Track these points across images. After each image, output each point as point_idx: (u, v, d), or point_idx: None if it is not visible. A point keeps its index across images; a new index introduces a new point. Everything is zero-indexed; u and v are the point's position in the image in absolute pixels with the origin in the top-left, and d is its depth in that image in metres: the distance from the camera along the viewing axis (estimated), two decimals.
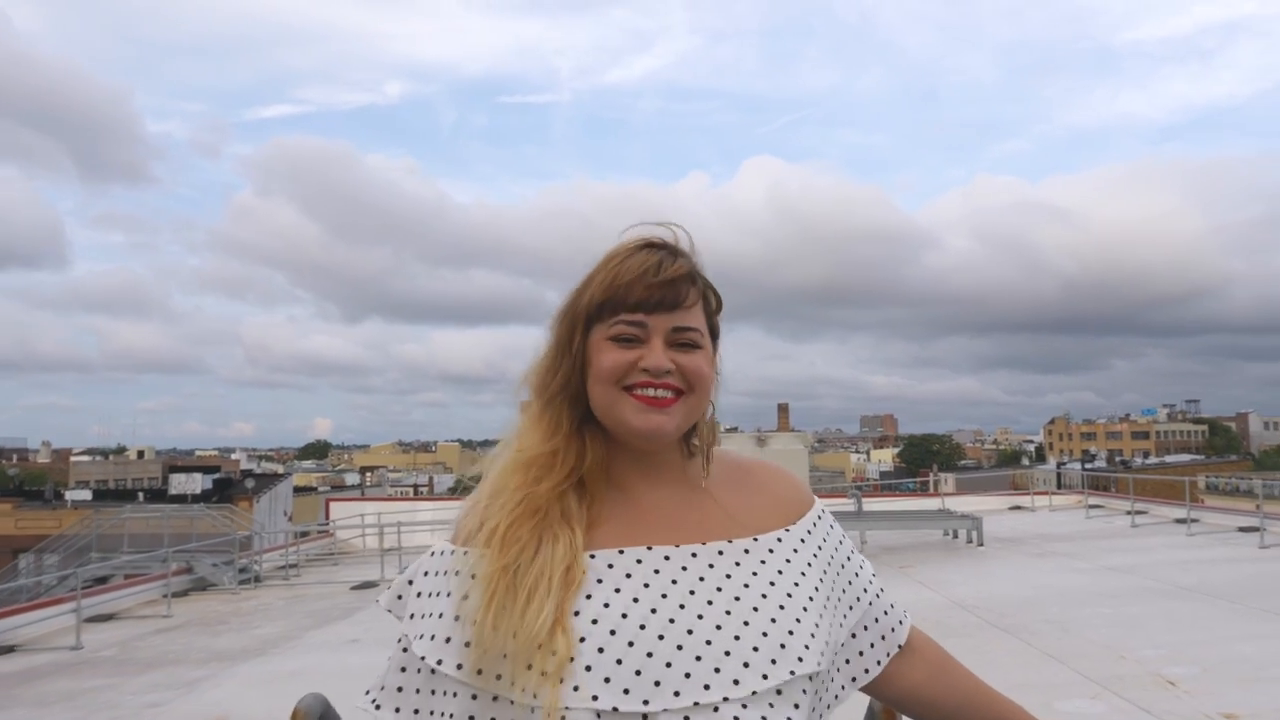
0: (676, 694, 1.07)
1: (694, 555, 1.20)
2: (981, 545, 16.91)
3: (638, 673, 1.07)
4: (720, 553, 1.21)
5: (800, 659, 1.14)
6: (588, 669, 1.07)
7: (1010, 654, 8.57)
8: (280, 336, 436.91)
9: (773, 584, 1.19)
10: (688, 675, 1.08)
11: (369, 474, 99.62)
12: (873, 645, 1.34)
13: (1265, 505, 17.19)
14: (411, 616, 1.25)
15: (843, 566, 1.32)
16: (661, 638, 1.10)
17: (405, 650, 1.22)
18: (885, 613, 1.37)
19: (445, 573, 1.22)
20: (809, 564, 1.25)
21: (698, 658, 1.09)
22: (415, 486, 75.03)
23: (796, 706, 1.12)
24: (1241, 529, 17.28)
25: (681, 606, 1.13)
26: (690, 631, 1.11)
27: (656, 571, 1.17)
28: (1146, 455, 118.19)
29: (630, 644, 1.09)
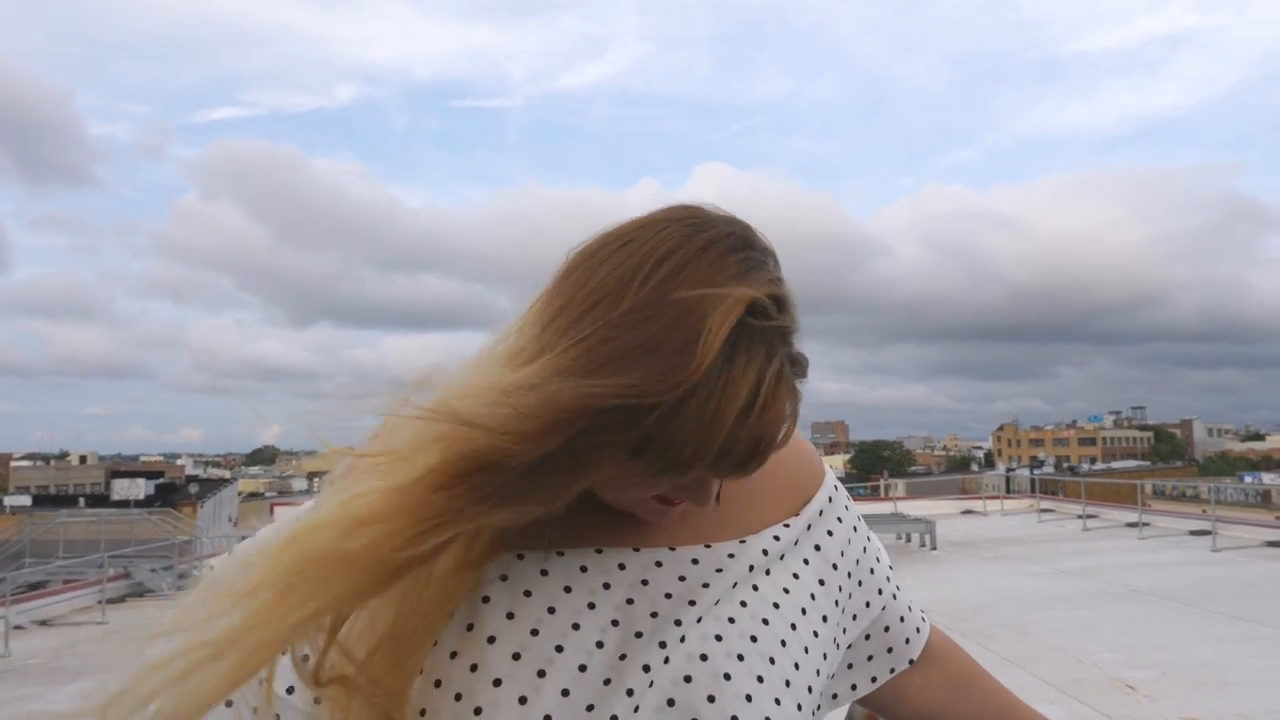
0: None
1: (659, 565, 0.89)
2: (935, 549, 16.84)
3: None
4: (695, 562, 0.90)
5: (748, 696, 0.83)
6: None
7: None
8: (227, 341, 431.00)
9: (767, 622, 0.88)
10: None
11: (316, 480, 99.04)
12: (873, 657, 1.06)
13: (1214, 510, 17.31)
14: None
15: (856, 564, 1.02)
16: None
17: None
18: (901, 619, 1.08)
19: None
20: (796, 574, 0.95)
21: None
22: None
23: None
24: (1192, 533, 17.38)
25: (623, 657, 0.82)
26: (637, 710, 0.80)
27: (607, 586, 0.86)
28: (1093, 461, 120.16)
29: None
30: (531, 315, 0.82)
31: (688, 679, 0.81)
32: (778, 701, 0.84)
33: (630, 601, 0.85)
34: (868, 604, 1.04)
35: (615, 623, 0.84)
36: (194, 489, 49.10)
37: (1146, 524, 18.42)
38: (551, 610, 0.83)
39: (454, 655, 0.81)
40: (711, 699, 0.80)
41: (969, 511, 24.78)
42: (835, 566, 1.00)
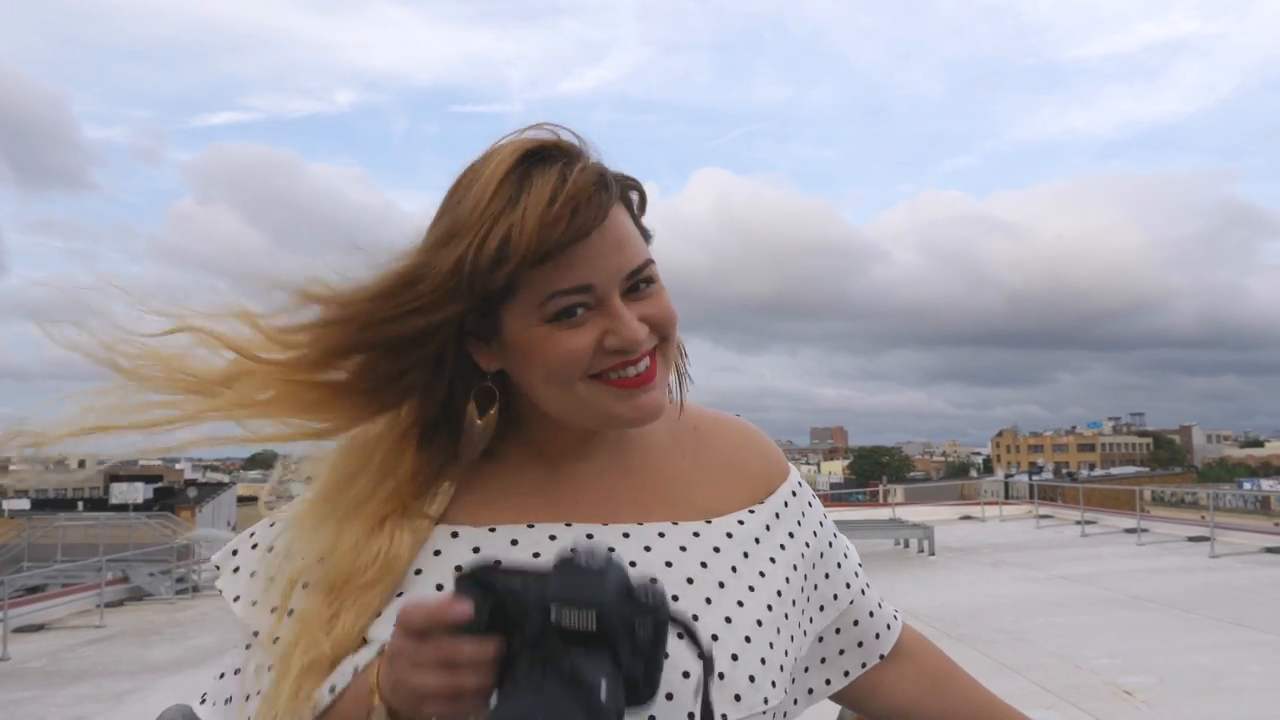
0: None
1: (625, 536, 0.92)
2: (933, 555, 16.84)
3: None
4: (661, 535, 0.93)
5: (738, 696, 0.86)
6: None
7: (965, 664, 8.16)
8: None
9: (723, 585, 0.91)
10: None
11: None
12: (844, 651, 1.08)
13: (1213, 516, 17.28)
14: (237, 599, 0.99)
15: (821, 556, 1.05)
16: None
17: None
18: (871, 614, 1.11)
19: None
20: (773, 559, 0.97)
21: None
22: None
23: None
24: (1191, 539, 17.35)
25: None
26: None
27: (537, 556, 0.90)
28: (1092, 467, 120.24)
29: None
30: None
31: None
32: (748, 639, 0.90)
33: None
34: (835, 596, 1.07)
35: None
36: (193, 493, 49.03)
37: (1145, 530, 18.39)
38: None
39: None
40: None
41: (968, 517, 24.76)
42: (803, 555, 1.03)
